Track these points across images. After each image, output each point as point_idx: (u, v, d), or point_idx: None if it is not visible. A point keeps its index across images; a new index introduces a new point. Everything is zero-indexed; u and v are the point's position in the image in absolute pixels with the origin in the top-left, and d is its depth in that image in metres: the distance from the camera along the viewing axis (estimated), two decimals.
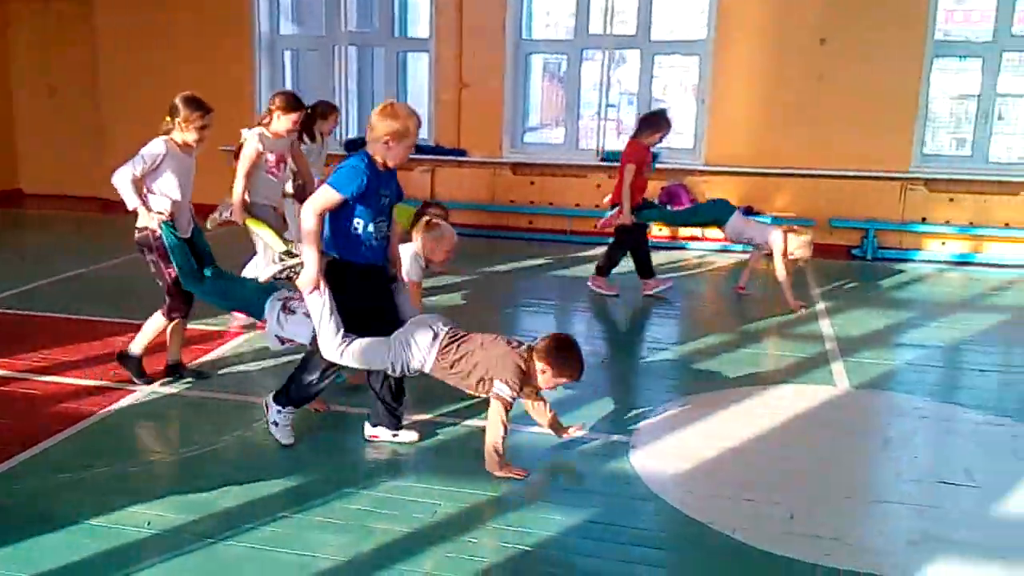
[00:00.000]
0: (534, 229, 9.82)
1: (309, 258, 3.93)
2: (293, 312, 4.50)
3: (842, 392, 5.20)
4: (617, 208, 7.05)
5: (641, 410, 4.82)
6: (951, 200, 8.70)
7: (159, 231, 4.70)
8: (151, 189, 4.79)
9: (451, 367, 3.99)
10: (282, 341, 4.57)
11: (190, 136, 4.79)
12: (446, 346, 4.01)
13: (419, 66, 10.62)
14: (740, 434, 4.51)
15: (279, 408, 4.26)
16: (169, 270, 4.78)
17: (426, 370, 4.04)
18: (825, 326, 6.52)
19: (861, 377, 5.42)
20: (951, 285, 8.01)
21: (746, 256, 7.90)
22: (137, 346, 5.01)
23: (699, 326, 6.67)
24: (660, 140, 7.14)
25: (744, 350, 5.93)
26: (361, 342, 4.01)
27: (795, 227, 7.16)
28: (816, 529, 3.58)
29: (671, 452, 4.29)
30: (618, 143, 9.78)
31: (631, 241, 7.25)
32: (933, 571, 3.30)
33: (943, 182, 8.72)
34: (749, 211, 7.30)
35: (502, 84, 9.79)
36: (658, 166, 9.29)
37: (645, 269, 7.28)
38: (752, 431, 4.55)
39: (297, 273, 4.08)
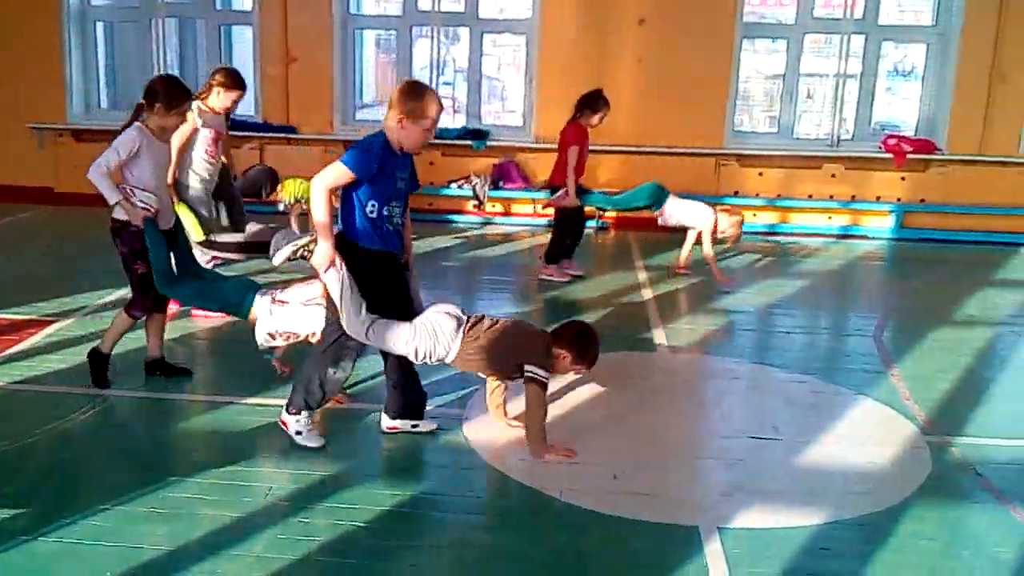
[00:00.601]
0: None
1: (322, 235, 3.74)
2: (286, 303, 4.42)
3: (662, 356, 5.49)
4: (562, 191, 7.00)
5: (474, 382, 4.92)
6: (760, 174, 9.27)
7: (141, 226, 4.40)
8: (127, 180, 4.45)
9: (477, 353, 3.91)
10: (272, 337, 4.48)
11: (169, 122, 4.51)
12: (470, 332, 3.93)
13: (244, 39, 10.26)
14: (567, 401, 4.68)
15: (297, 417, 4.03)
16: (136, 266, 4.50)
17: (449, 359, 3.93)
18: (647, 295, 6.84)
19: (679, 342, 5.73)
20: (761, 253, 8.55)
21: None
22: (105, 344, 4.69)
23: (526, 300, 6.83)
24: (600, 120, 7.05)
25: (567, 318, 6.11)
26: (387, 322, 3.87)
27: (727, 207, 7.43)
28: (637, 487, 3.79)
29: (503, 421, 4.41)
30: (451, 121, 9.84)
31: (574, 224, 7.25)
32: (742, 518, 3.55)
33: (753, 157, 9.28)
34: (681, 195, 7.47)
35: (331, 59, 9.62)
36: (489, 143, 9.47)
37: (565, 253, 7.27)
38: (579, 398, 4.74)
39: (311, 252, 3.88)
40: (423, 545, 3.29)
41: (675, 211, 7.37)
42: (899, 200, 9.24)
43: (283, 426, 4.08)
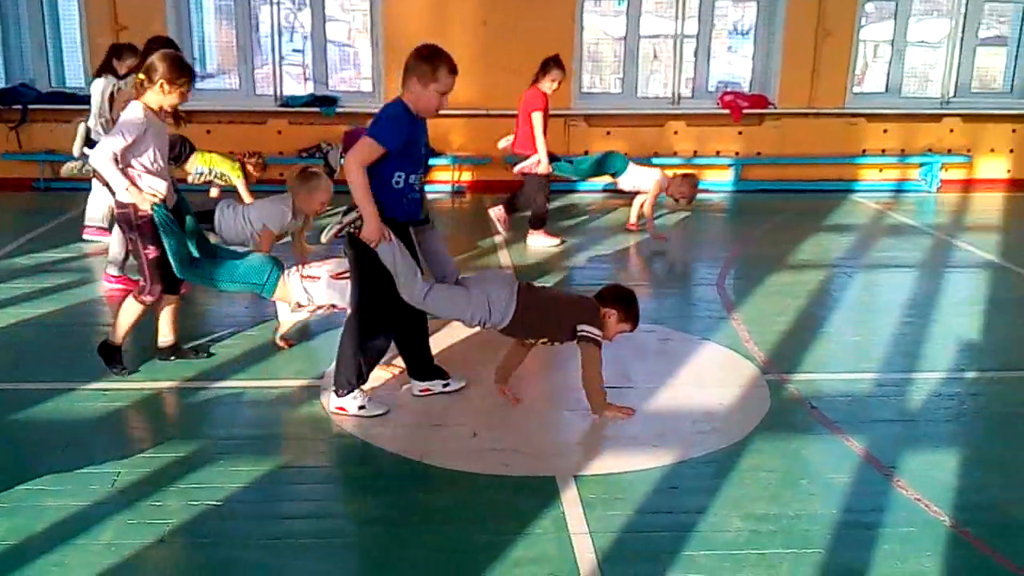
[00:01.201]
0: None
1: (367, 211, 3.73)
2: (317, 278, 4.50)
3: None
4: (535, 158, 7.08)
5: (333, 351, 4.87)
6: (608, 133, 9.48)
7: (151, 213, 4.18)
8: (130, 164, 4.16)
9: (532, 318, 4.06)
10: (301, 309, 4.57)
11: (170, 100, 4.20)
12: (523, 298, 4.01)
13: (69, 7, 9.64)
14: None
15: (351, 396, 4.03)
16: (147, 251, 4.29)
17: (503, 325, 4.04)
18: (504, 256, 6.92)
19: None
20: (610, 210, 8.76)
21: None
22: (115, 336, 4.46)
23: None
24: (558, 85, 7.17)
25: None
26: (444, 290, 4.01)
27: (680, 173, 7.81)
28: (497, 443, 3.87)
29: (363, 389, 4.39)
30: (301, 88, 9.59)
31: (544, 187, 7.29)
32: (597, 465, 3.69)
33: (600, 117, 9.48)
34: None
35: (164, 27, 9.16)
36: (339, 110, 9.29)
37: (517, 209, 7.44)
38: (439, 359, 4.76)
39: (358, 228, 3.81)
40: (280, 517, 3.26)
41: (633, 177, 7.69)
42: (737, 154, 9.66)
43: (341, 411, 4.05)
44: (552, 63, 7.11)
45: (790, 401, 4.36)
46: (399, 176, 3.84)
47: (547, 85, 7.13)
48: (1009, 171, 9.92)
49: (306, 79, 9.87)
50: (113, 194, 4.41)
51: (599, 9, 10.35)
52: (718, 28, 10.17)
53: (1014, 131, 9.83)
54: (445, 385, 4.33)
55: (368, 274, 3.92)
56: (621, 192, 8.08)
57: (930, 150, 9.81)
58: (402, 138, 3.77)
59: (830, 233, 7.88)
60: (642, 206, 7.73)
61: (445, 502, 3.42)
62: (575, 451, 3.85)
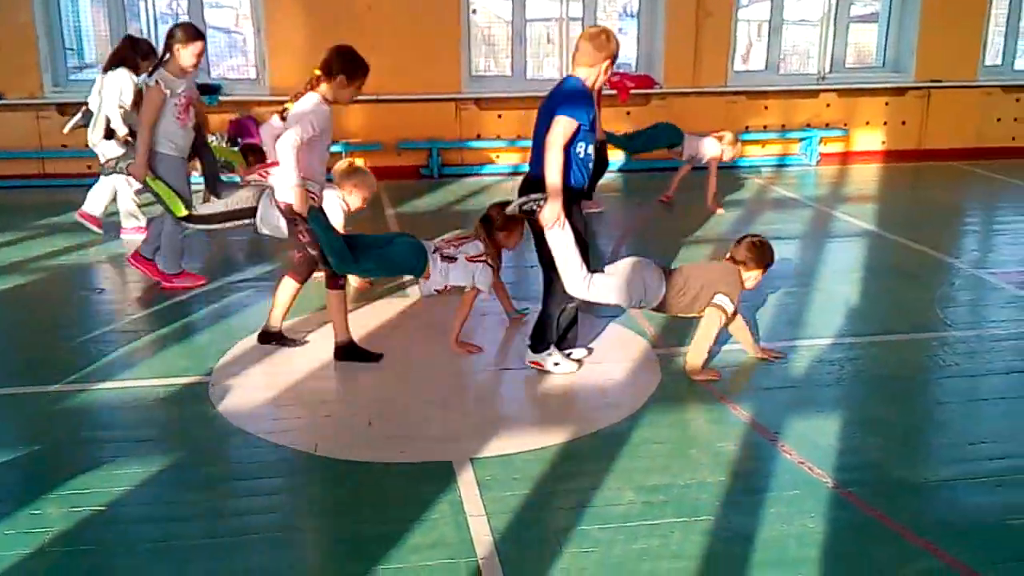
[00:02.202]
0: (94, 174, 9.01)
1: (555, 192, 3.98)
2: (454, 259, 4.60)
3: (413, 300, 5.55)
4: None
5: (220, 344, 4.75)
6: (499, 116, 9.48)
7: (305, 214, 4.27)
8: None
9: (679, 294, 4.38)
10: (439, 292, 4.66)
11: (345, 95, 4.38)
12: (672, 279, 4.37)
13: None
14: (320, 355, 4.63)
15: (547, 353, 4.39)
16: (319, 243, 4.36)
17: (655, 304, 4.41)
18: None
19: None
20: (508, 193, 8.77)
21: None
22: (342, 333, 4.57)
23: (277, 263, 6.64)
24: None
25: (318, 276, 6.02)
26: (603, 280, 4.29)
27: (719, 134, 7.94)
28: (392, 431, 3.85)
29: (252, 384, 4.31)
30: None
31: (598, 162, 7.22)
32: (493, 447, 3.70)
33: (491, 100, 9.46)
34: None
35: (31, 15, 8.72)
36: (222, 98, 9.01)
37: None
38: (331, 350, 4.69)
39: (540, 206, 4.03)
40: (170, 519, 3.17)
41: (692, 147, 7.94)
42: (625, 133, 9.79)
43: (536, 366, 4.43)
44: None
45: (680, 374, 4.46)
46: (582, 146, 4.12)
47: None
48: (884, 143, 10.35)
49: None
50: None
51: None
52: (608, 10, 10.26)
53: (887, 104, 10.26)
54: (556, 364, 4.45)
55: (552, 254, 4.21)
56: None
57: (809, 125, 10.15)
58: (592, 111, 4.05)
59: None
60: (681, 178, 8.10)
61: (341, 493, 3.39)
62: (472, 434, 3.85)
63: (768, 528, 3.15)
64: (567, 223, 4.09)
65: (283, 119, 4.41)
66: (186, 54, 5.32)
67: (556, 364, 4.42)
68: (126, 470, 3.47)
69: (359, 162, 6.22)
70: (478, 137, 9.53)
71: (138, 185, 5.79)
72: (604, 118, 9.68)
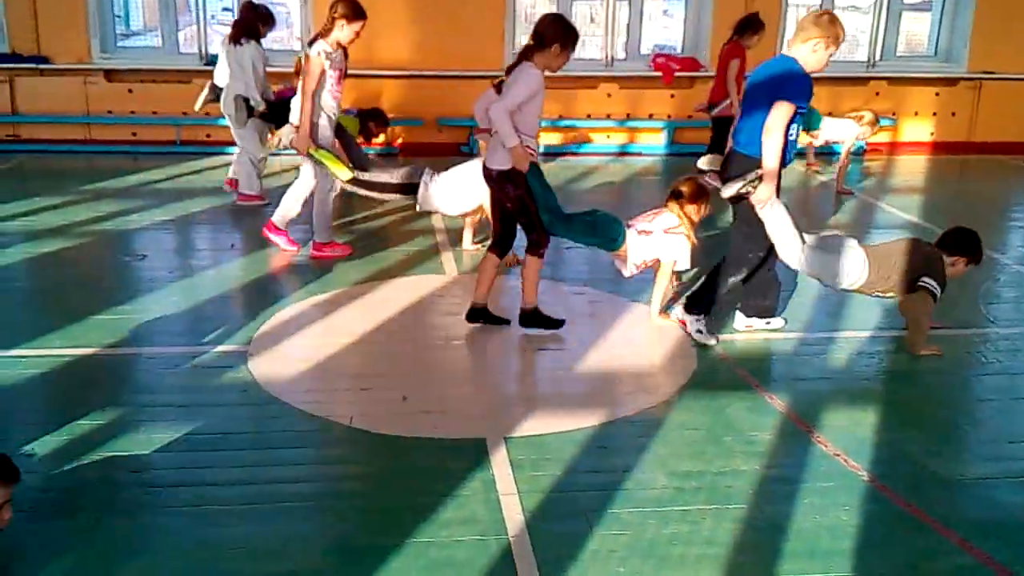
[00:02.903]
0: (139, 141, 9.15)
1: (771, 174, 4.18)
2: (650, 233, 4.80)
3: (451, 279, 5.56)
4: (727, 101, 7.74)
5: (260, 315, 4.79)
6: None
7: (525, 171, 4.37)
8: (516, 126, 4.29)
9: (879, 276, 4.46)
10: (638, 267, 4.90)
11: (557, 63, 4.37)
12: (868, 260, 4.44)
13: None
14: (357, 329, 4.66)
15: (696, 317, 4.58)
16: (532, 206, 4.49)
17: (860, 283, 4.47)
18: (436, 220, 6.86)
19: (468, 265, 5.81)
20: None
21: None
22: (531, 299, 4.66)
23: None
24: (757, 42, 7.78)
25: (364, 247, 6.06)
26: (816, 252, 4.43)
27: (859, 114, 8.19)
28: (427, 406, 3.86)
29: (290, 355, 4.34)
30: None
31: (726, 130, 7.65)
32: (527, 427, 3.70)
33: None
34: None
35: None
36: (268, 69, 9.05)
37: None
38: (369, 324, 4.73)
39: (755, 187, 4.21)
40: (205, 483, 3.21)
41: (829, 130, 8.14)
42: (670, 117, 9.70)
43: (681, 324, 4.68)
44: (759, 23, 7.81)
45: (716, 361, 4.43)
46: (793, 128, 4.24)
47: (751, 42, 7.81)
48: (932, 134, 10.16)
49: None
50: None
51: None
52: None
53: (937, 94, 10.06)
54: (767, 323, 4.77)
55: (752, 228, 4.40)
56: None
57: (856, 111, 9.96)
58: (810, 95, 4.19)
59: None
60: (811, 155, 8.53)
61: (374, 465, 3.41)
62: (505, 413, 3.85)
63: (801, 519, 3.12)
64: (778, 201, 4.31)
65: (498, 91, 4.57)
66: (348, 30, 5.43)
67: (699, 332, 4.60)
68: (163, 435, 3.52)
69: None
70: None
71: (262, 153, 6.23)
72: (647, 100, 9.63)
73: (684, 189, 4.87)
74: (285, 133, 5.92)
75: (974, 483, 3.40)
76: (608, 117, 9.65)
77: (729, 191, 4.31)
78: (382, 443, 3.56)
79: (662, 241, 4.78)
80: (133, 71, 9.12)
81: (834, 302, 5.27)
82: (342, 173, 5.52)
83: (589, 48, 10.27)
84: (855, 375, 4.36)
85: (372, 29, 8.98)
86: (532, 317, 4.67)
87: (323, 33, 5.46)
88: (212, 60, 9.12)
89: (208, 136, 9.08)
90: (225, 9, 9.89)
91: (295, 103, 5.57)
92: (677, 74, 9.45)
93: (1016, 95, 10.01)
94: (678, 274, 5.17)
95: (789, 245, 4.38)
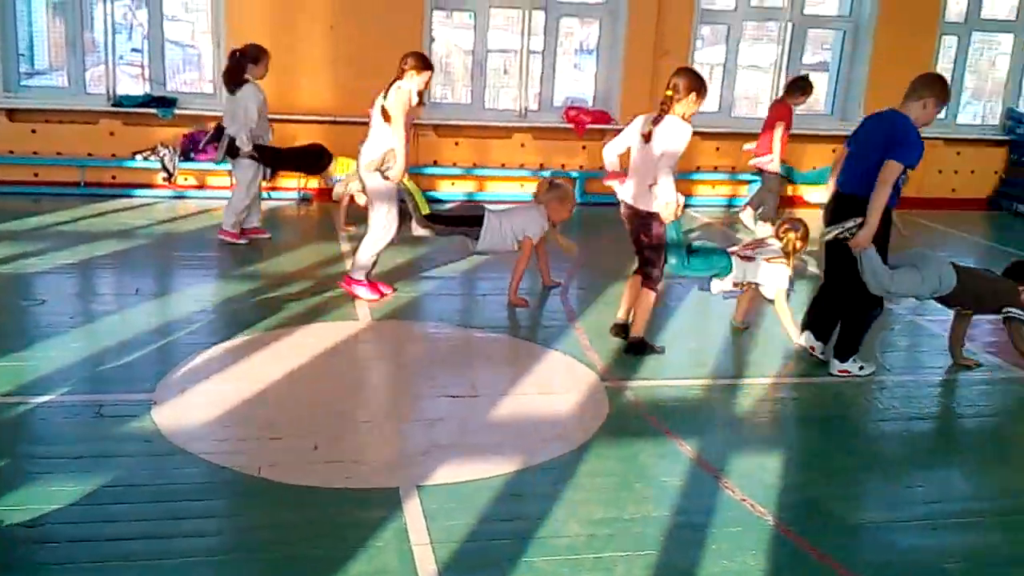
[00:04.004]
0: (41, 182, 8.85)
1: (873, 224, 4.61)
2: (752, 259, 5.49)
3: (364, 325, 5.52)
4: (770, 156, 8.40)
5: (165, 362, 4.67)
6: (456, 144, 9.52)
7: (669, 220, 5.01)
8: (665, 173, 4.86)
9: (964, 291, 5.03)
10: (736, 286, 5.56)
11: (692, 110, 4.89)
12: (959, 274, 4.98)
13: None
14: (267, 376, 4.58)
15: (852, 359, 5.03)
16: (660, 244, 5.11)
17: (943, 294, 5.01)
18: (350, 265, 6.80)
19: (381, 311, 5.78)
20: None
21: None
22: (640, 329, 5.19)
23: (226, 277, 6.56)
24: (803, 102, 8.44)
25: (270, 295, 5.97)
26: (903, 275, 4.91)
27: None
28: (339, 455, 3.81)
29: (197, 403, 4.23)
30: (139, 89, 9.15)
31: (776, 189, 8.68)
32: (440, 475, 3.69)
33: (450, 128, 9.50)
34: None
35: None
36: (177, 111, 8.92)
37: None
38: (279, 371, 4.65)
39: (853, 235, 4.68)
40: (107, 539, 3.09)
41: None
42: (581, 167, 9.90)
43: (842, 373, 5.03)
44: (809, 85, 8.47)
45: (627, 407, 4.51)
46: (904, 176, 4.72)
47: (799, 101, 8.41)
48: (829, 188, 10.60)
49: (144, 79, 9.42)
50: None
51: (451, 22, 10.40)
52: (565, 46, 10.39)
53: (834, 150, 10.50)
54: (861, 368, 5.07)
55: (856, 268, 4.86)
56: None
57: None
58: (922, 151, 4.62)
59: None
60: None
61: (284, 518, 3.33)
62: (419, 462, 3.83)
63: (710, 564, 3.18)
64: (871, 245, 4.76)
65: (646, 140, 4.96)
66: (420, 80, 5.79)
67: (861, 368, 5.04)
68: (61, 488, 3.38)
69: (559, 180, 6.73)
70: (435, 163, 9.56)
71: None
72: (560, 152, 9.82)
73: (800, 226, 5.52)
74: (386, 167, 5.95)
75: (875, 527, 3.53)
76: (522, 167, 9.79)
77: (829, 235, 4.83)
78: (292, 494, 3.49)
79: (763, 268, 5.45)
80: (37, 111, 8.85)
81: (739, 348, 5.43)
82: (424, 208, 5.88)
83: (503, 99, 10.46)
84: (760, 420, 4.49)
85: (291, 73, 9.04)
86: (639, 346, 5.18)
87: (399, 77, 5.79)
88: (119, 101, 8.96)
89: (113, 178, 8.86)
90: (135, 50, 9.71)
91: (379, 140, 5.80)
92: (589, 126, 9.66)
93: None
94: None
95: (878, 273, 4.82)
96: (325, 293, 6.06)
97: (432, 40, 9.56)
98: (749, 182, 10.31)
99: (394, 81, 5.79)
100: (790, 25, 10.28)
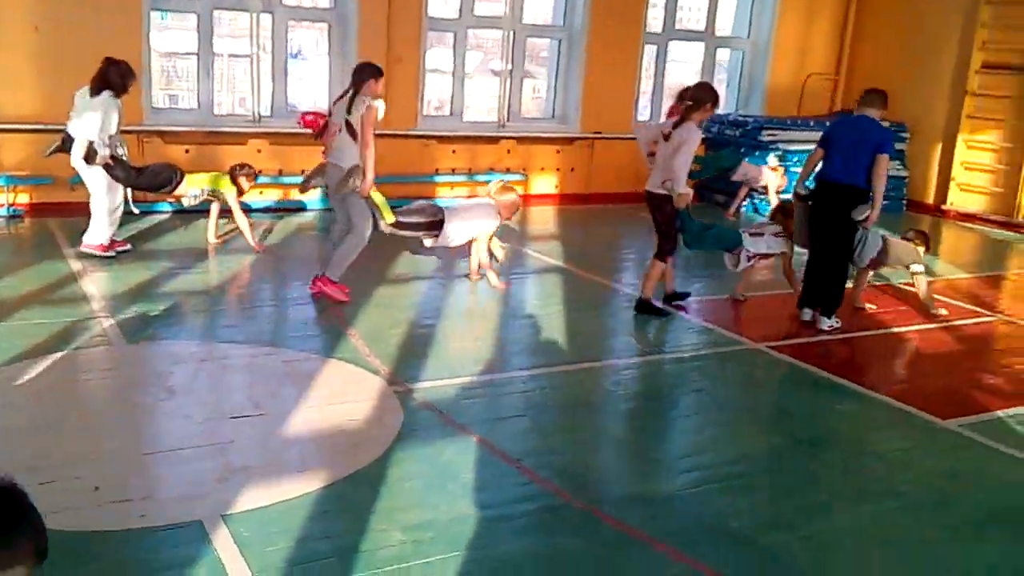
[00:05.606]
0: None
1: (879, 208, 5.95)
2: (761, 235, 6.69)
3: (119, 350, 5.08)
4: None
5: None
6: (187, 151, 8.93)
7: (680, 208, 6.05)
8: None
9: (884, 253, 6.57)
10: (749, 258, 6.62)
11: (703, 118, 6.12)
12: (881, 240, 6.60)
13: None
14: (20, 416, 4.09)
15: (834, 317, 6.24)
16: (671, 227, 6.13)
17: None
18: (88, 286, 6.22)
19: (131, 331, 5.34)
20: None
21: None
22: (647, 292, 6.24)
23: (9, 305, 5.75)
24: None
25: (14, 323, 5.31)
26: (871, 245, 6.49)
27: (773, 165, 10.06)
28: (125, 494, 3.50)
29: None
30: None
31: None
32: (244, 501, 3.50)
33: (176, 134, 8.90)
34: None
35: None
36: None
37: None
38: (31, 408, 4.17)
39: (866, 218, 5.92)
40: None
41: (749, 171, 9.55)
42: (303, 172, 9.68)
43: (830, 329, 6.21)
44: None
45: (420, 409, 4.52)
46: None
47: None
48: (557, 187, 11.24)
49: None
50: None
51: (178, 25, 9.82)
52: (292, 47, 10.14)
53: (559, 152, 11.16)
54: (837, 322, 6.27)
55: (850, 241, 6.22)
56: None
57: (492, 168, 10.74)
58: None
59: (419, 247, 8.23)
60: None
61: (77, 570, 3.00)
62: (216, 489, 3.60)
63: (527, 550, 3.31)
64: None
65: (666, 139, 6.06)
66: (378, 85, 5.97)
67: (831, 327, 6.22)
68: None
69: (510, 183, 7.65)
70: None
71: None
72: (282, 155, 9.55)
73: (788, 207, 6.71)
74: (355, 176, 5.89)
75: (672, 496, 3.83)
76: (260, 173, 9.38)
77: (859, 216, 5.93)
78: (81, 542, 3.15)
79: (771, 241, 6.67)
80: None
81: (508, 342, 5.64)
82: (389, 217, 6.18)
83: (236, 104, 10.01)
84: (549, 408, 4.69)
85: None
86: (645, 306, 6.27)
87: (358, 91, 5.90)
88: None
89: None
90: None
91: (345, 155, 5.89)
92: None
93: (621, 152, 11.38)
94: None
95: (865, 251, 6.47)
96: (66, 318, 5.48)
97: (149, 43, 8.93)
98: (486, 182, 10.64)
99: (351, 93, 5.91)
100: (512, 33, 10.73)
